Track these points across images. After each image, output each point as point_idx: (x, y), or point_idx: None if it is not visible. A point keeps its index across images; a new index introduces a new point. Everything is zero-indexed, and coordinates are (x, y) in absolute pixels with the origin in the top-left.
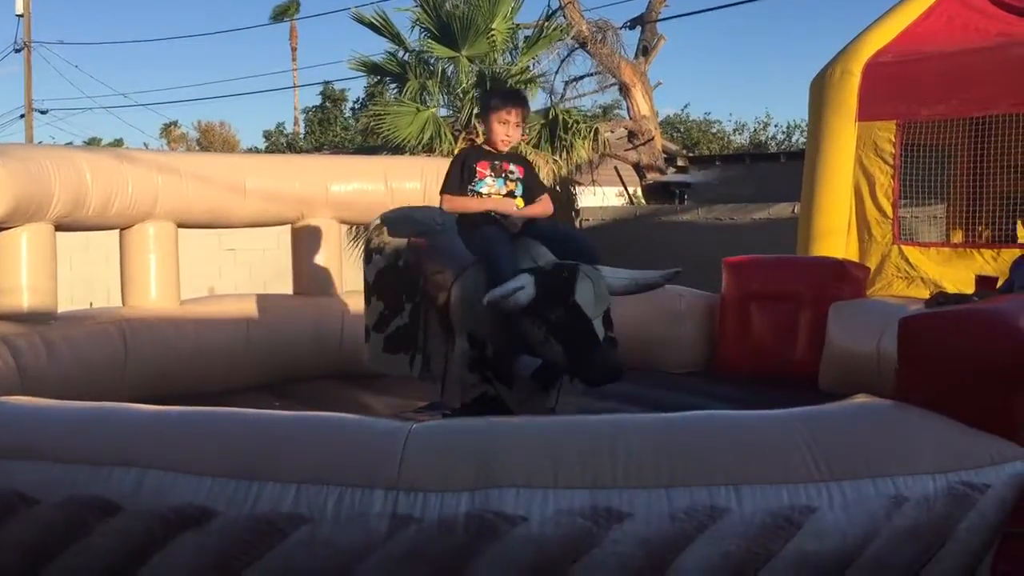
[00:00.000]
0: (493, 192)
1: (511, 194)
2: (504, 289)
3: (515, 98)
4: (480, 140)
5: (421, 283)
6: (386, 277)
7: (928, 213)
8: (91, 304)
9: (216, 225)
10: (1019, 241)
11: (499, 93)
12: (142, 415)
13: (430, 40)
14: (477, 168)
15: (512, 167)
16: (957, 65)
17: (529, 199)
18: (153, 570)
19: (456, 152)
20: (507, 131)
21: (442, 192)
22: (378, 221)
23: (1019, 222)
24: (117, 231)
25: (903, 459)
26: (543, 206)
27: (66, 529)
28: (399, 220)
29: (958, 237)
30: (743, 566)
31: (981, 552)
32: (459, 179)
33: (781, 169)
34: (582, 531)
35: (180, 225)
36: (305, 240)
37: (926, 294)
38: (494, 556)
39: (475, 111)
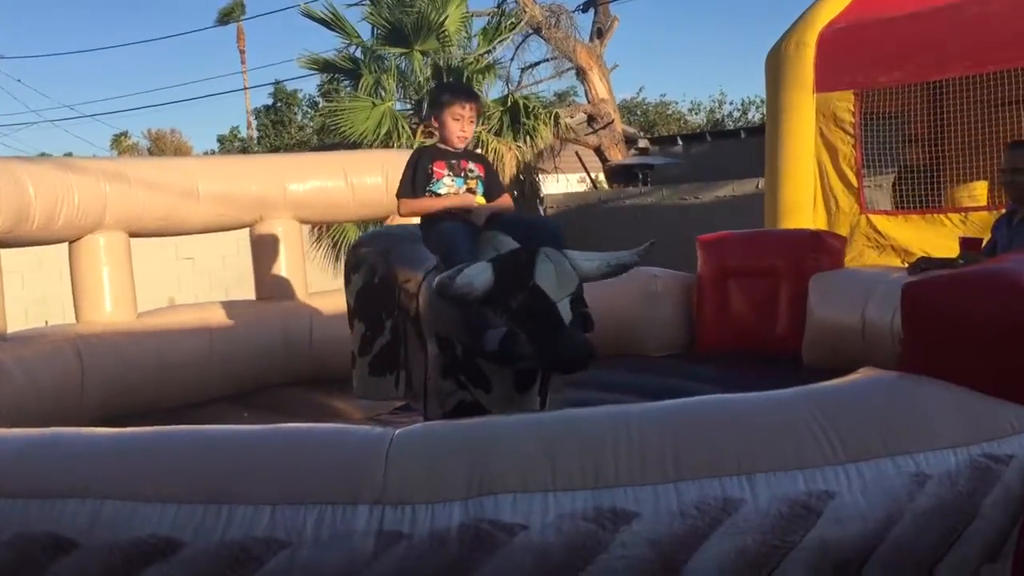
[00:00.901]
0: (452, 192)
1: (471, 192)
2: (451, 271)
3: (467, 92)
4: (435, 139)
5: (397, 295)
6: (365, 297)
7: (889, 181)
8: (46, 323)
9: (170, 233)
10: (983, 204)
11: (449, 88)
12: (95, 440)
13: (382, 40)
14: (434, 168)
15: (471, 165)
16: (911, 30)
17: (490, 199)
18: None
19: (412, 153)
20: (461, 127)
21: (397, 196)
22: (356, 240)
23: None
24: (66, 245)
25: (921, 434)
26: (505, 201)
27: (16, 571)
28: (373, 237)
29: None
30: (762, 560)
31: (1008, 527)
32: (412, 182)
33: (741, 145)
34: (587, 536)
35: (132, 234)
36: (265, 243)
37: (898, 262)
38: (493, 569)
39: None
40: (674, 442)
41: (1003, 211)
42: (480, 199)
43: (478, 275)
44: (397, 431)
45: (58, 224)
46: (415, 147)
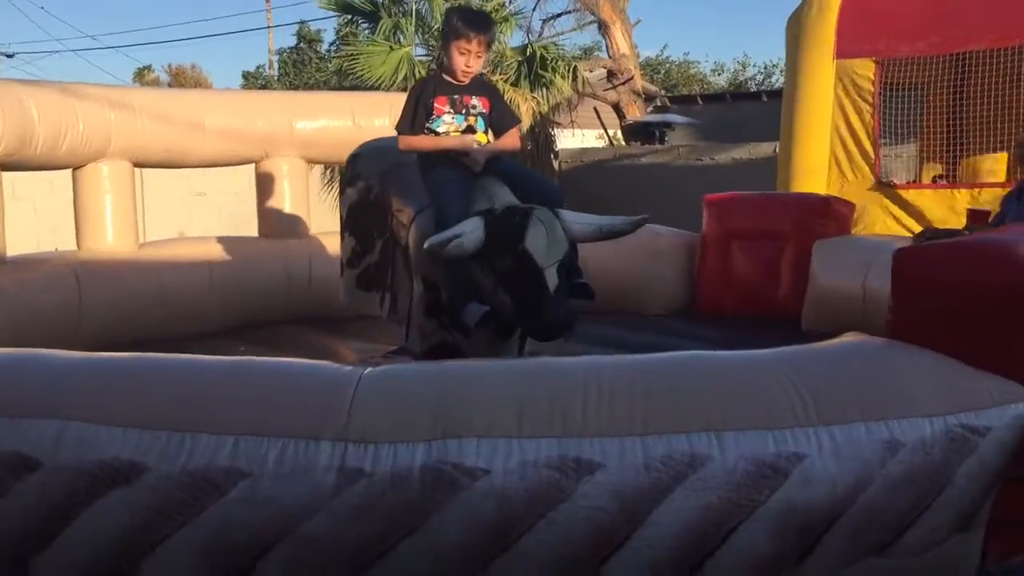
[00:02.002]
0: (452, 130)
1: (470, 129)
2: (442, 236)
3: (478, 22)
4: (444, 75)
5: (388, 220)
6: (358, 212)
7: (908, 152)
8: (56, 249)
9: (175, 165)
10: (1000, 180)
11: (461, 14)
12: (64, 361)
13: None
14: (435, 104)
15: (475, 100)
16: (935, 1)
17: (498, 132)
18: (79, 530)
19: (414, 84)
20: (467, 61)
21: (396, 129)
22: (354, 151)
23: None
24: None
25: (898, 401)
26: (510, 140)
27: None
28: (374, 151)
29: (933, 173)
30: (725, 518)
31: (981, 499)
32: (412, 118)
33: (762, 108)
34: (549, 484)
35: (136, 164)
36: (270, 180)
37: (909, 233)
38: (452, 512)
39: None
40: (644, 395)
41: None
42: (481, 136)
43: (469, 233)
44: (366, 370)
45: (62, 150)
46: (418, 79)
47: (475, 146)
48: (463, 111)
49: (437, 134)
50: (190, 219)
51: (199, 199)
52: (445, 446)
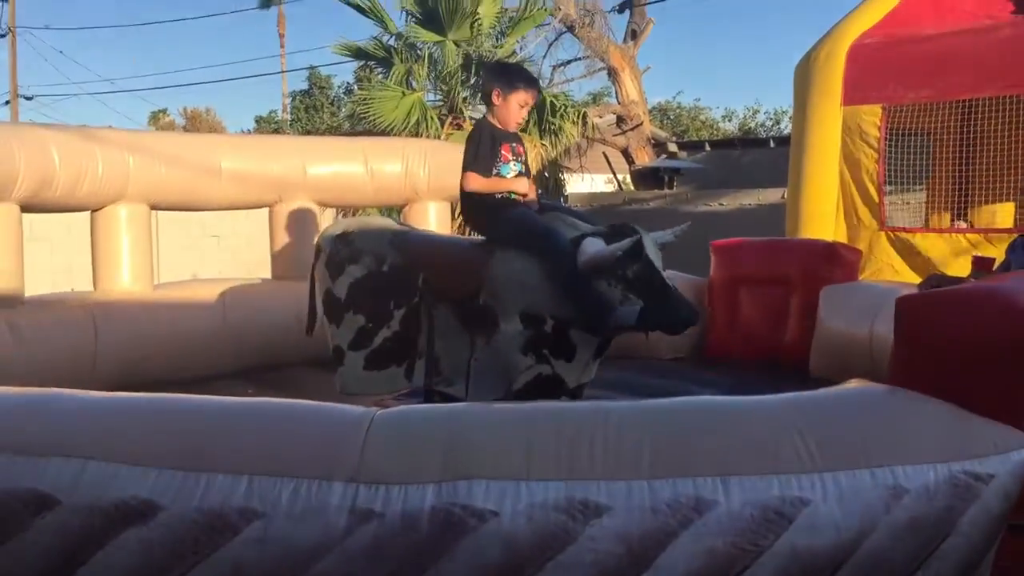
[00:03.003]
0: (513, 175)
1: (522, 175)
2: (604, 251)
3: (536, 83)
4: (491, 119)
5: (420, 282)
6: (366, 287)
7: (915, 199)
8: (72, 290)
9: (190, 208)
10: (1007, 226)
11: (523, 74)
12: (83, 401)
13: (416, 24)
14: (502, 151)
15: (522, 149)
16: (943, 48)
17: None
18: (94, 569)
19: (477, 127)
20: (522, 114)
21: (471, 169)
22: (338, 232)
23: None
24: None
25: (902, 448)
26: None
27: None
28: (363, 228)
29: (943, 222)
30: (730, 563)
31: (984, 547)
32: (487, 158)
33: (770, 154)
34: (557, 526)
35: (153, 207)
36: (283, 223)
37: (917, 279)
38: (462, 553)
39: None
40: (652, 440)
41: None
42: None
43: (617, 247)
44: (378, 412)
45: (81, 192)
46: (479, 124)
47: (531, 191)
48: (519, 158)
49: (505, 178)
50: (203, 261)
51: (213, 242)
52: (455, 488)
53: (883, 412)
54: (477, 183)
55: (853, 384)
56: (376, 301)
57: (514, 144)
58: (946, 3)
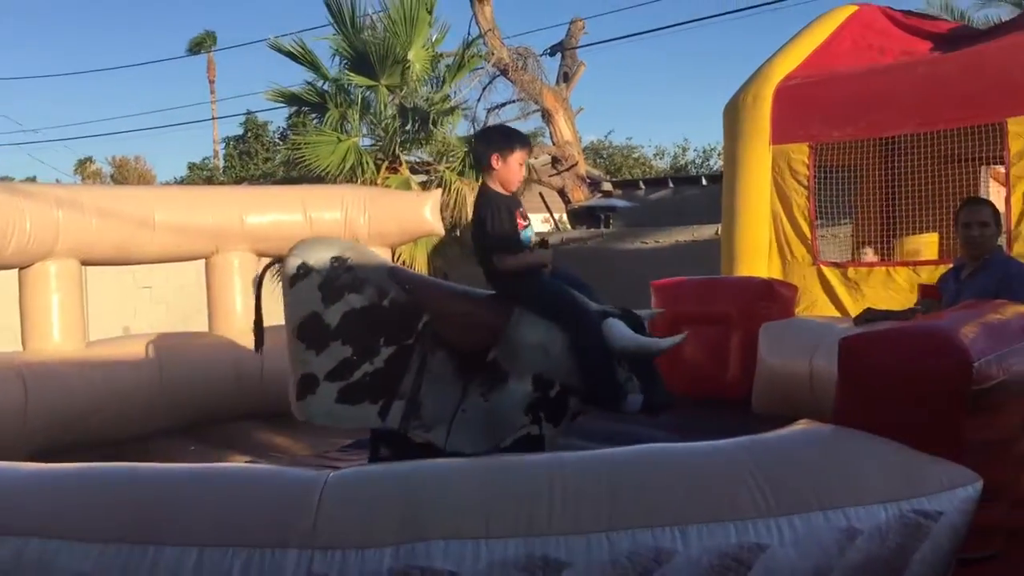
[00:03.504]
0: (534, 243)
1: (544, 243)
2: (667, 342)
3: (528, 139)
4: (492, 185)
5: (420, 324)
6: (360, 319)
7: (844, 232)
8: None
9: (124, 262)
10: (931, 257)
11: (517, 134)
12: (19, 474)
13: (349, 70)
14: (518, 220)
15: (524, 210)
16: (864, 87)
17: None
18: None
19: (488, 199)
20: (523, 173)
21: (509, 250)
22: (331, 253)
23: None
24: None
25: (853, 488)
26: None
27: None
28: (360, 254)
29: (871, 255)
30: None
31: None
32: (514, 233)
33: (702, 192)
34: None
35: (85, 262)
36: (221, 275)
37: (850, 312)
38: None
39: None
40: (609, 492)
41: (951, 265)
42: None
43: (651, 341)
44: (331, 474)
45: (8, 250)
46: (488, 194)
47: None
48: (527, 220)
49: (531, 249)
50: (135, 313)
51: (145, 293)
52: (413, 550)
53: (833, 453)
54: (513, 263)
55: (802, 425)
56: (368, 335)
57: (521, 208)
58: (864, 42)
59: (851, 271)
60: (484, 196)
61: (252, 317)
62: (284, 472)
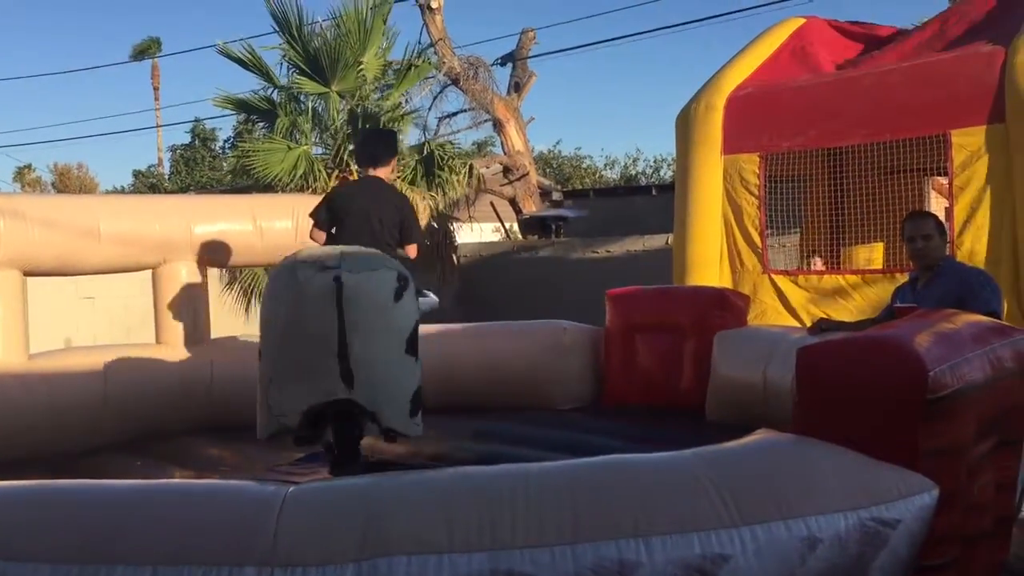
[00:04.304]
0: None
1: None
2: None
3: None
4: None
5: None
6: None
7: (792, 242)
8: None
9: (68, 272)
10: (878, 267)
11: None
12: None
13: (299, 76)
14: None
15: None
16: (811, 98)
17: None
18: None
19: (404, 196)
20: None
21: (420, 242)
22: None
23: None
24: None
25: (813, 498)
26: None
27: None
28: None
29: (819, 264)
30: None
31: None
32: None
33: (653, 201)
34: None
35: (27, 273)
36: (168, 285)
37: (801, 321)
38: None
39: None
40: (572, 503)
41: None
42: None
43: None
44: (291, 489)
45: None
46: (400, 192)
47: None
48: None
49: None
50: (78, 325)
51: (88, 303)
52: (375, 566)
53: (793, 462)
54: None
55: (761, 435)
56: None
57: None
58: (810, 51)
59: (801, 279)
60: (399, 192)
61: (199, 328)
62: (242, 487)
